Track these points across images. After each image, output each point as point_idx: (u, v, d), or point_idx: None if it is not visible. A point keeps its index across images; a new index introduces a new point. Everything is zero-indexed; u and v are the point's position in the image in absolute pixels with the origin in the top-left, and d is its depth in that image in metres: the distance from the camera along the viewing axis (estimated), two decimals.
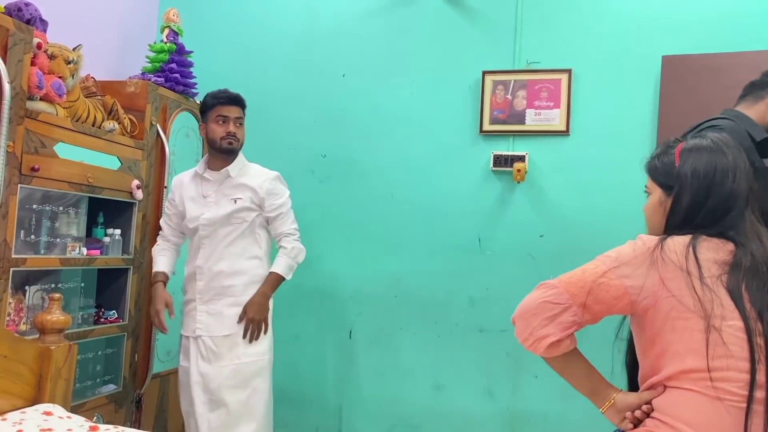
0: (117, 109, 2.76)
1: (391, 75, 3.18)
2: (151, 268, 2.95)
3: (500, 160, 2.94)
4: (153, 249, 2.77)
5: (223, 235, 2.61)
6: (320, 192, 3.25)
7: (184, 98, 3.16)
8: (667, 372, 1.28)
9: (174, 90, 3.08)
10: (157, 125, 2.96)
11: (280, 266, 2.63)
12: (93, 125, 2.61)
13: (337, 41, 3.28)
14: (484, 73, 2.99)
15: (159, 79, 3.02)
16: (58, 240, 2.49)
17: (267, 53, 3.39)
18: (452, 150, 3.06)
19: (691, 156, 1.38)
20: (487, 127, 2.99)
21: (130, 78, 2.99)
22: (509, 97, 2.96)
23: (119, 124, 2.75)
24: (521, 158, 2.90)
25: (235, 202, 2.63)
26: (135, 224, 2.84)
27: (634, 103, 2.83)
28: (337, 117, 3.26)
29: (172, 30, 3.13)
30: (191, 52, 3.22)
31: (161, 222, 2.79)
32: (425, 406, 3.03)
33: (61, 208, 2.52)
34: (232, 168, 2.65)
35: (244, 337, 2.53)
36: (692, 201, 1.35)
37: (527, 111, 2.94)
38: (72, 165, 2.46)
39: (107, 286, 2.84)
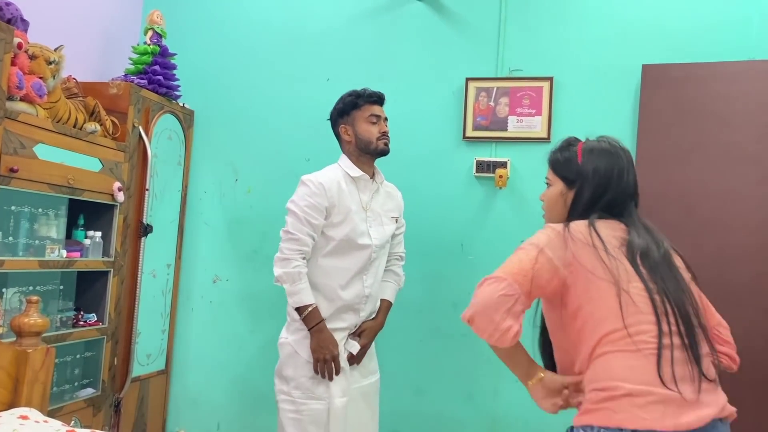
0: (99, 111, 2.74)
1: (376, 80, 3.18)
2: (133, 269, 2.94)
3: (483, 166, 2.95)
4: (294, 271, 2.19)
5: (383, 257, 2.42)
6: None
7: (167, 100, 3.15)
8: (590, 342, 1.42)
9: (157, 92, 3.07)
10: (140, 127, 2.95)
11: (393, 295, 2.51)
12: (74, 126, 2.59)
13: (322, 46, 3.29)
14: (468, 79, 3.01)
15: (142, 81, 3.01)
16: (37, 242, 2.47)
17: (252, 57, 3.39)
18: (436, 155, 3.08)
19: (593, 156, 1.58)
20: (470, 133, 3.01)
21: (112, 80, 2.98)
22: (492, 104, 2.98)
23: (101, 125, 2.73)
24: (503, 164, 2.93)
25: (396, 221, 2.46)
26: (116, 226, 2.82)
27: (615, 110, 2.86)
28: (322, 121, 3.25)
29: (156, 32, 3.11)
30: (175, 54, 3.20)
31: (302, 234, 2.21)
32: (406, 411, 3.03)
33: (40, 210, 2.50)
34: (378, 175, 2.43)
35: (358, 362, 2.36)
36: (593, 195, 1.55)
37: (509, 118, 2.96)
38: (52, 166, 2.44)
39: (87, 288, 2.82)
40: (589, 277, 1.42)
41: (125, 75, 3.07)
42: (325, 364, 2.19)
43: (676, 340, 1.37)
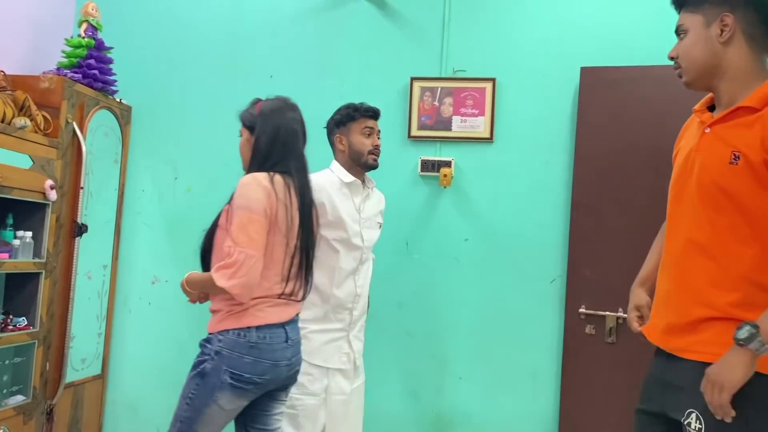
0: (29, 105, 2.63)
1: (321, 78, 3.17)
2: (67, 271, 2.84)
3: (427, 165, 2.98)
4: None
5: (370, 260, 2.55)
6: None
7: (103, 96, 3.04)
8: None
9: (92, 87, 2.96)
10: (74, 123, 2.84)
11: None
12: (2, 122, 2.47)
13: (265, 42, 3.24)
14: (413, 79, 3.03)
15: (76, 75, 2.90)
16: None
17: (192, 52, 3.31)
18: (381, 154, 3.07)
19: (266, 110, 2.04)
20: (415, 132, 3.03)
21: (44, 73, 2.86)
22: (436, 103, 3.01)
23: (31, 120, 2.61)
24: (447, 164, 2.96)
25: (380, 227, 2.58)
26: (48, 226, 2.71)
27: (554, 111, 2.93)
28: None
29: (91, 24, 3.01)
30: (111, 48, 3.10)
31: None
32: None
33: None
34: (369, 181, 2.56)
35: None
36: (268, 138, 1.99)
37: (453, 118, 2.99)
38: None
39: (17, 291, 2.70)
40: (275, 231, 1.90)
41: (58, 68, 2.95)
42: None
43: (298, 281, 2.00)
